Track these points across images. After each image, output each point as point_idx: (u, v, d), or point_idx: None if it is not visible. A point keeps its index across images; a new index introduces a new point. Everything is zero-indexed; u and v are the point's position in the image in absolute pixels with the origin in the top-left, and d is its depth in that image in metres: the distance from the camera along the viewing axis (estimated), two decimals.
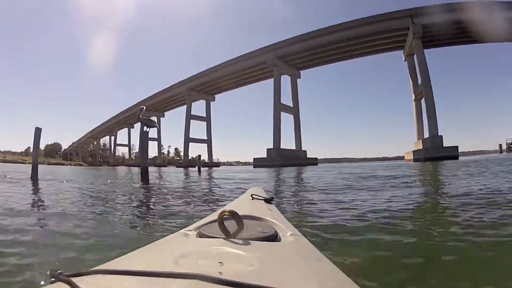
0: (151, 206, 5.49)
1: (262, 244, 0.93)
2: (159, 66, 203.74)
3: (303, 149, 58.29)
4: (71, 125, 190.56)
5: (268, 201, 1.75)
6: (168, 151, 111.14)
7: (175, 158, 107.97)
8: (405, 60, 49.75)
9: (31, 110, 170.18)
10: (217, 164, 68.90)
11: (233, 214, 0.97)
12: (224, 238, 0.95)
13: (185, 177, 17.12)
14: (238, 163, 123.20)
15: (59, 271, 0.66)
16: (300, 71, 59.47)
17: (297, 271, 0.75)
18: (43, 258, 2.27)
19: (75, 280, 0.63)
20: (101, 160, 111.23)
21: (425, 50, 43.31)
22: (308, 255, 0.92)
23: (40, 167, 12.90)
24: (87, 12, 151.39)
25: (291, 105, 57.84)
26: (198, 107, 71.17)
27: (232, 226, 0.98)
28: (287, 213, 4.08)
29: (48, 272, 0.67)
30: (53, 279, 0.66)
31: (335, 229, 3.09)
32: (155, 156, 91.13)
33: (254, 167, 45.35)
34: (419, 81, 44.52)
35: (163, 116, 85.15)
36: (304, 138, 59.15)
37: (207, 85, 65.47)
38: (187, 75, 69.76)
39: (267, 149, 50.52)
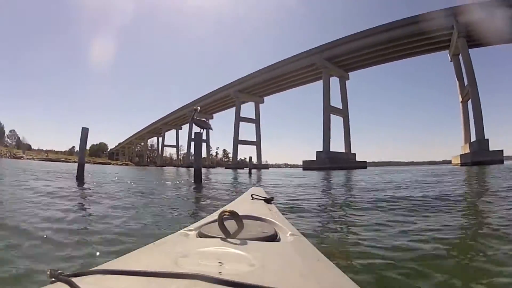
0: (203, 207, 5.61)
1: (262, 244, 0.96)
2: (203, 69, 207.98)
3: (351, 152, 58.02)
4: (117, 127, 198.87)
5: (268, 201, 1.81)
6: (216, 153, 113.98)
7: (223, 159, 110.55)
8: (451, 61, 48.25)
9: (76, 111, 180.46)
10: (266, 166, 69.92)
11: (233, 214, 1.00)
12: (224, 238, 0.98)
13: (235, 178, 17.26)
14: (286, 165, 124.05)
15: (59, 271, 0.67)
16: (349, 73, 59.22)
17: (297, 271, 0.76)
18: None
19: (75, 280, 0.63)
20: (148, 160, 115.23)
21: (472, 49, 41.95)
22: (308, 255, 0.95)
23: (85, 165, 12.81)
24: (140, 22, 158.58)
25: (340, 107, 57.61)
26: (247, 109, 72.44)
27: (232, 226, 1.01)
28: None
29: (48, 272, 0.67)
30: (53, 279, 0.66)
31: None
32: (203, 157, 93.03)
33: (303, 169, 45.95)
34: (466, 82, 43.11)
35: (212, 118, 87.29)
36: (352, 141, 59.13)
37: (255, 87, 66.65)
38: (233, 79, 71.26)
39: (317, 151, 50.79)
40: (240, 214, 1.01)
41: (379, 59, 54.98)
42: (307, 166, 48.29)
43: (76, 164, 12.99)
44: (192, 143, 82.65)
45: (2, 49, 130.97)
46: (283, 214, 1.57)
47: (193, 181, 11.93)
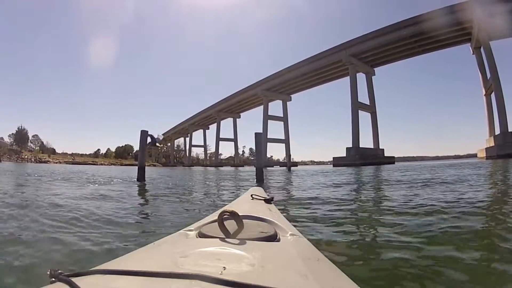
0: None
1: (262, 244, 0.98)
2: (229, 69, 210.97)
3: (379, 147, 59.34)
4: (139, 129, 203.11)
5: (268, 201, 1.86)
6: (243, 151, 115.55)
7: (250, 158, 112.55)
8: (473, 54, 48.98)
9: (97, 115, 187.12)
10: (295, 164, 71.50)
11: (233, 214, 1.03)
12: (224, 238, 1.00)
13: (282, 176, 17.40)
14: (312, 162, 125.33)
15: (59, 271, 0.68)
16: (374, 69, 60.68)
17: (297, 271, 0.77)
18: None
19: (75, 280, 0.64)
20: (175, 160, 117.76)
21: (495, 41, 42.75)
22: (308, 255, 0.96)
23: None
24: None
25: (367, 103, 59.01)
26: (273, 107, 74.30)
27: (232, 226, 1.04)
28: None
29: (48, 272, 0.68)
30: (53, 279, 0.67)
31: None
32: (230, 157, 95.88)
33: (333, 166, 47.92)
34: (488, 75, 43.83)
35: (239, 117, 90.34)
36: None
37: (283, 86, 68.64)
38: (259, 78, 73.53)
39: (347, 148, 52.69)
40: (240, 214, 1.05)
41: (403, 54, 56.46)
42: (337, 162, 50.23)
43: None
44: (221, 143, 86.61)
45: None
46: (283, 214, 1.61)
47: (256, 181, 12.50)
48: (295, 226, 1.37)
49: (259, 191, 2.30)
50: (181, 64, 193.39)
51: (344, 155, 52.39)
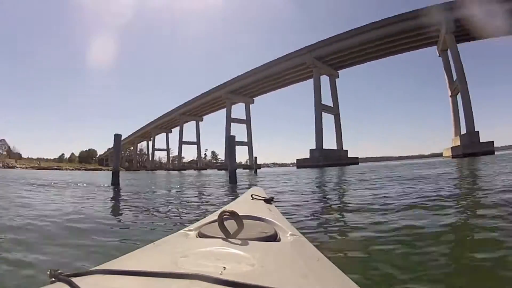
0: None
1: (262, 244, 0.97)
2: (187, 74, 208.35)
3: (343, 148, 59.49)
4: (104, 133, 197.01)
5: (268, 201, 1.82)
6: (205, 155, 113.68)
7: (212, 161, 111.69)
8: (439, 56, 50.16)
9: (60, 118, 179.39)
10: (259, 166, 70.85)
11: (233, 214, 1.02)
12: (224, 238, 0.99)
13: (252, 178, 17.27)
14: (274, 164, 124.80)
15: (59, 271, 0.67)
16: (338, 71, 61.07)
17: (297, 271, 0.77)
18: None
19: (75, 280, 0.64)
20: (138, 164, 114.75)
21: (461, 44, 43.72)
22: (308, 255, 0.96)
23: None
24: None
25: (331, 105, 59.18)
26: (236, 110, 73.42)
27: (232, 226, 1.02)
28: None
29: (48, 272, 0.68)
30: (53, 279, 0.67)
31: None
32: (192, 160, 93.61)
33: (297, 167, 47.54)
34: (455, 77, 44.98)
35: (202, 120, 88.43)
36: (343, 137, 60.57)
37: (246, 88, 68.03)
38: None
39: (310, 149, 52.37)
40: (240, 214, 1.04)
41: (368, 57, 57.13)
42: (301, 164, 49.94)
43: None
44: (184, 146, 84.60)
45: None
46: (283, 214, 1.60)
47: (229, 182, 12.60)
48: (295, 226, 1.34)
49: (259, 191, 2.21)
50: (142, 66, 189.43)
51: (308, 156, 51.97)
